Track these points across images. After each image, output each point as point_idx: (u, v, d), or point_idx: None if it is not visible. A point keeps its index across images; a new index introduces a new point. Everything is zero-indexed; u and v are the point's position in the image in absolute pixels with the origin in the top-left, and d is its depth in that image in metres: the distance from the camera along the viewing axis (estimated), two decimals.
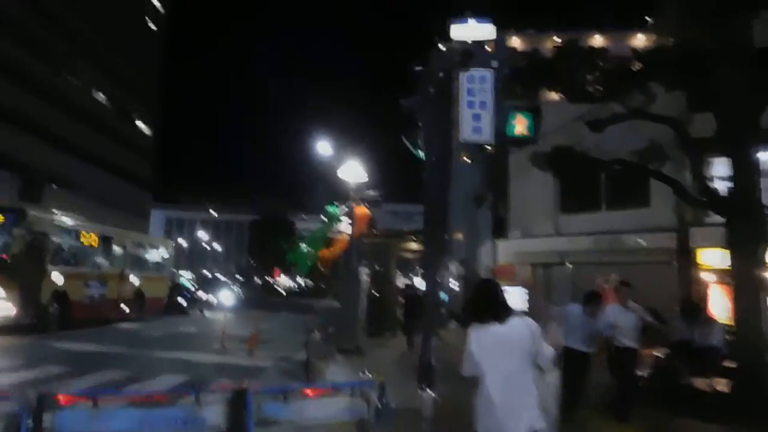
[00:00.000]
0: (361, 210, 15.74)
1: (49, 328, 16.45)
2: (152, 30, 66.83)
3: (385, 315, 18.58)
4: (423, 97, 9.22)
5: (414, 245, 21.88)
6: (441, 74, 9.60)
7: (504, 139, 10.27)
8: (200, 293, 30.76)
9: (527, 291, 22.71)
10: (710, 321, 11.75)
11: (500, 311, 3.85)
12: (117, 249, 20.78)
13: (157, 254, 23.72)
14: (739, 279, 10.77)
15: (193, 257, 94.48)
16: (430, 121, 9.35)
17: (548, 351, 3.89)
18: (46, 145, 46.04)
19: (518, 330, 3.80)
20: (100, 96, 56.96)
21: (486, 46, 9.85)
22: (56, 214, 18.98)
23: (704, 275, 18.81)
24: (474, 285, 4.35)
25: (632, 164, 13.55)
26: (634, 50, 13.20)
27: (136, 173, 63.36)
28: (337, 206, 15.49)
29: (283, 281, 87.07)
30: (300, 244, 15.70)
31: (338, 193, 16.26)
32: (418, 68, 9.76)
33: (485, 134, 9.61)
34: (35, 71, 44.44)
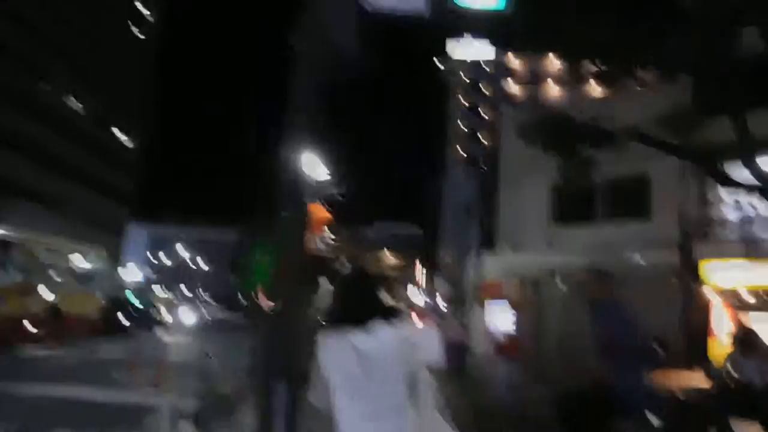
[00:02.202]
0: (319, 211, 13.87)
1: None
2: (138, 37, 65.21)
3: None
4: None
5: (390, 259, 20.00)
6: None
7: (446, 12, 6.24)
8: (155, 312, 28.53)
9: (514, 311, 20.95)
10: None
11: (370, 317, 2.79)
12: (20, 257, 17.29)
13: (83, 265, 20.88)
14: None
15: (178, 276, 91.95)
16: None
17: (427, 376, 2.90)
18: (11, 158, 43.66)
19: (389, 345, 2.74)
20: (72, 103, 54.74)
21: None
22: None
23: (710, 294, 17.08)
24: (340, 279, 3.16)
25: (647, 136, 11.43)
26: None
27: (112, 187, 60.83)
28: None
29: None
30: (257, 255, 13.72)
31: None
32: None
33: None
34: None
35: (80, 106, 55.02)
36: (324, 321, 3.65)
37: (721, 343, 16.46)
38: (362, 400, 2.67)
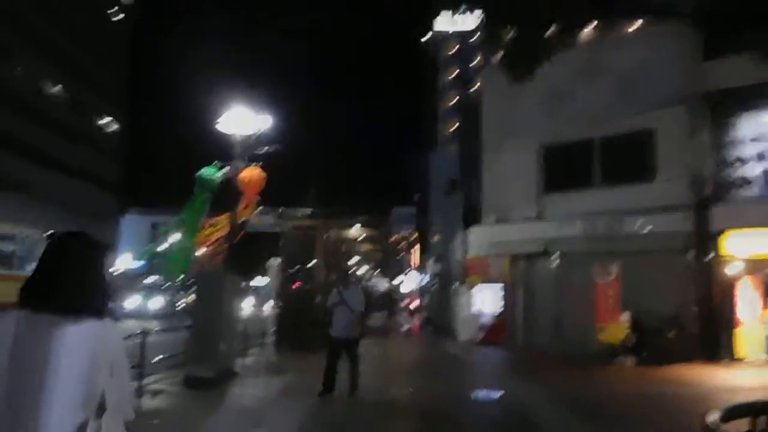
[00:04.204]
0: (252, 174, 11.14)
1: None
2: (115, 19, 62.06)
3: (306, 324, 14.04)
4: None
5: (356, 231, 17.33)
6: None
7: None
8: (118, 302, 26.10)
9: (502, 289, 18.36)
10: None
11: (72, 296, 1.94)
12: None
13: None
14: None
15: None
16: None
17: (127, 388, 2.07)
18: None
19: (84, 338, 1.90)
20: (57, 91, 52.21)
21: None
22: None
23: (730, 267, 14.49)
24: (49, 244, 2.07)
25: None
26: None
27: (101, 175, 58.46)
28: (217, 168, 10.85)
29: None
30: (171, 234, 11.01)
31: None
32: None
33: None
34: None
35: (58, 92, 52.36)
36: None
37: (751, 332, 13.96)
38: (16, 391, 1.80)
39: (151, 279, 34.83)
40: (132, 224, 76.95)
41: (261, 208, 15.90)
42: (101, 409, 1.88)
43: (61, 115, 51.14)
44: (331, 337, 8.71)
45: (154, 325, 18.25)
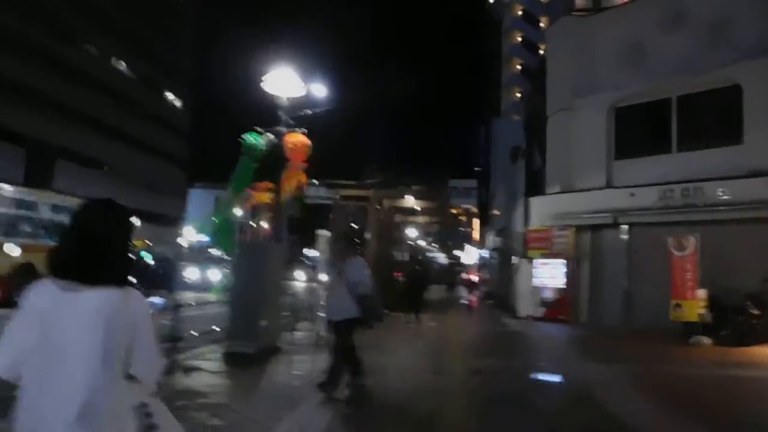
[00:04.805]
0: (297, 139, 10.52)
1: None
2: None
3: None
4: None
5: (412, 202, 16.52)
6: None
7: None
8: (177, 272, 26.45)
9: (566, 263, 17.22)
10: None
11: (95, 265, 1.97)
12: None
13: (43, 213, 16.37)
14: None
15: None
16: None
17: (152, 360, 2.04)
18: (64, 122, 42.78)
19: (104, 305, 1.92)
20: (131, 70, 53.67)
21: None
22: None
23: None
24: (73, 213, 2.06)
25: None
26: None
27: (170, 152, 60.08)
28: (260, 135, 10.26)
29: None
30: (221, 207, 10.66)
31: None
32: None
33: None
34: (46, 42, 40.84)
35: (128, 69, 53.71)
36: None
37: None
38: (50, 371, 1.87)
39: (215, 251, 35.40)
40: (198, 198, 79.21)
41: (315, 181, 15.47)
42: (116, 377, 1.89)
43: (130, 92, 52.44)
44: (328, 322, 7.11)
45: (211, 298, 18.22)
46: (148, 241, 39.91)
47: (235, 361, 8.51)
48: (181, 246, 51.99)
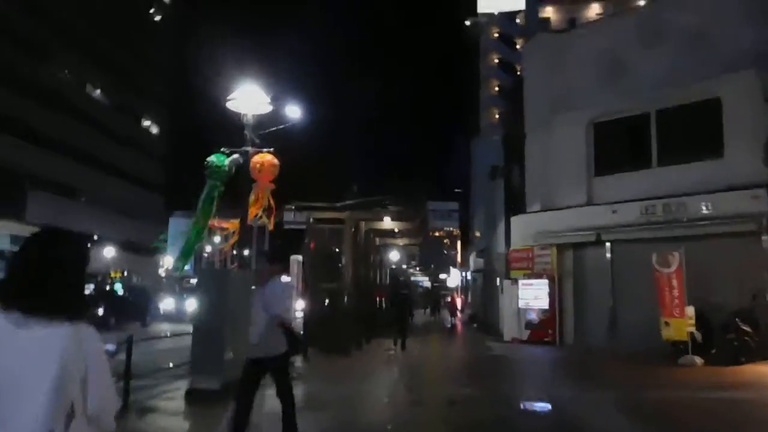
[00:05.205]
0: (264, 159, 10.03)
1: None
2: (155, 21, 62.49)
3: (335, 324, 12.88)
4: None
5: (389, 222, 16.05)
6: None
7: None
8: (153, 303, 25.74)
9: (549, 283, 16.78)
10: None
11: (43, 296, 1.83)
12: None
13: None
14: None
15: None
16: None
17: (107, 398, 1.90)
18: (37, 149, 41.78)
19: (53, 341, 1.80)
20: (105, 96, 53.13)
21: None
22: None
23: None
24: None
25: None
26: None
27: (148, 180, 59.29)
28: (225, 155, 9.74)
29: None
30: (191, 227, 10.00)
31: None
32: None
33: None
34: (19, 66, 40.10)
35: (102, 95, 53.08)
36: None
37: None
38: None
39: (194, 281, 34.53)
40: (178, 226, 77.92)
41: (290, 206, 14.89)
42: (69, 417, 1.74)
43: (105, 118, 51.80)
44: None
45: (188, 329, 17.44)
46: (124, 272, 39.04)
47: (198, 398, 7.86)
48: (159, 276, 50.98)
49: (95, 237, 48.67)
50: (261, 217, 11.25)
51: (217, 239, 14.89)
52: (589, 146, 16.73)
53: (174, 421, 6.88)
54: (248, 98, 9.80)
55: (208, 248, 28.34)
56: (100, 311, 20.33)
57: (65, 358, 1.77)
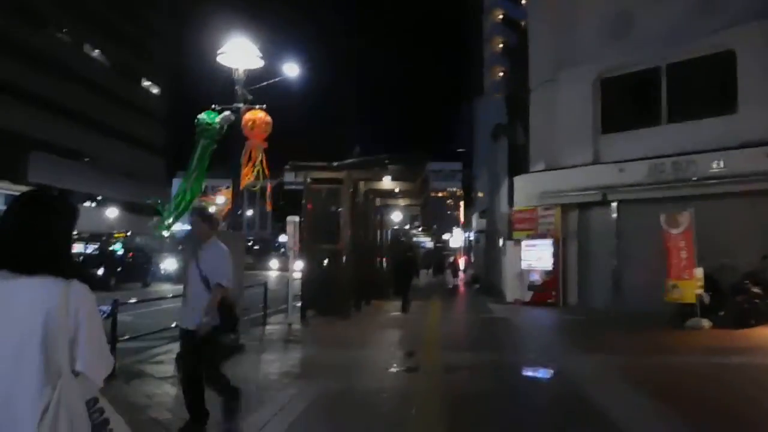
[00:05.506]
0: (256, 116, 9.54)
1: None
2: None
3: (333, 287, 12.61)
4: None
5: (389, 182, 15.61)
6: None
7: None
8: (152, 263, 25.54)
9: (553, 244, 16.43)
10: None
11: (31, 253, 1.91)
12: None
13: None
14: None
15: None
16: None
17: (98, 355, 1.92)
18: (38, 112, 41.23)
19: (40, 296, 1.85)
20: (105, 57, 52.33)
21: None
22: None
23: None
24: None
25: None
26: None
27: (150, 141, 58.77)
28: (216, 113, 9.25)
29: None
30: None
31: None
32: None
33: None
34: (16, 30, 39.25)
35: (102, 57, 52.24)
36: None
37: None
38: None
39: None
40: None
41: (288, 166, 14.42)
42: (56, 374, 1.77)
43: (105, 80, 51.09)
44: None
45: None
46: (127, 232, 38.88)
47: None
48: (162, 236, 50.95)
49: (98, 198, 48.62)
50: (256, 186, 10.87)
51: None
52: (596, 103, 16.14)
53: (161, 387, 6.59)
54: (239, 52, 9.29)
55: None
56: (100, 271, 20.15)
57: (52, 313, 1.81)
